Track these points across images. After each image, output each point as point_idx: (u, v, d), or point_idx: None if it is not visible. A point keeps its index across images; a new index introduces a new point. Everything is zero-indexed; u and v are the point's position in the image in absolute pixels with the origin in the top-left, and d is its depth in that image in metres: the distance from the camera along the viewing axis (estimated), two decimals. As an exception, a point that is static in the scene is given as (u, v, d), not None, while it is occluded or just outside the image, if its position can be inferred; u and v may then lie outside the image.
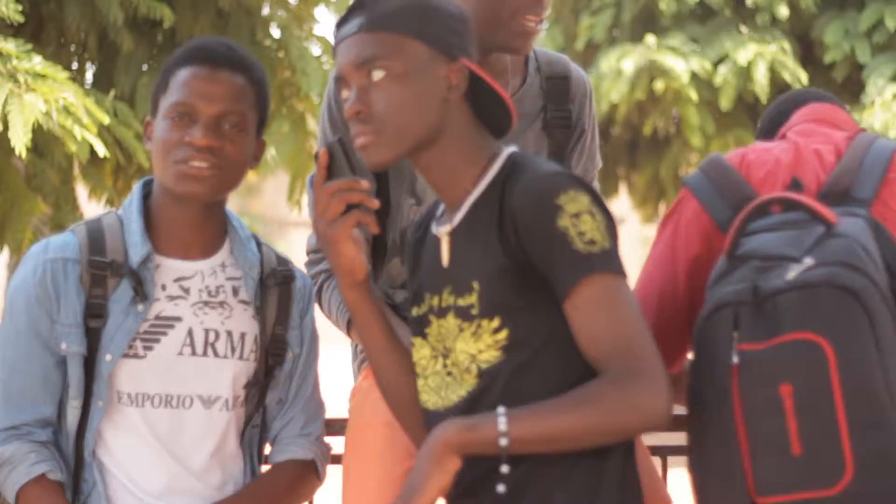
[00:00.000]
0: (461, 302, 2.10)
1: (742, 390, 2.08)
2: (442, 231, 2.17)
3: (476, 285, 2.08)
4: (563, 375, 2.04)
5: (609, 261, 2.03)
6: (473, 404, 2.08)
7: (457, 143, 2.14)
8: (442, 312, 2.14)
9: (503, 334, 2.06)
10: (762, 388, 2.07)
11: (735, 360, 2.08)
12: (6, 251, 5.34)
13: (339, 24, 2.17)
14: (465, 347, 2.10)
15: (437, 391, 2.15)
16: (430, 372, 2.16)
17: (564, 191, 2.03)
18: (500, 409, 2.01)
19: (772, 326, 2.07)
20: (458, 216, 2.15)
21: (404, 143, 2.12)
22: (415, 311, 2.21)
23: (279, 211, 20.93)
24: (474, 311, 2.08)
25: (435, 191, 2.19)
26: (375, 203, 2.14)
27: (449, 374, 2.13)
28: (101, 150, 4.41)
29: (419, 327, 2.19)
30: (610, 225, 2.05)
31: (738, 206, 2.31)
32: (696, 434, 2.19)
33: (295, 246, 21.49)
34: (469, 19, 2.19)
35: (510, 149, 2.18)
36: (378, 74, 2.11)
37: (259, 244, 2.54)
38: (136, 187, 2.49)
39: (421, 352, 2.18)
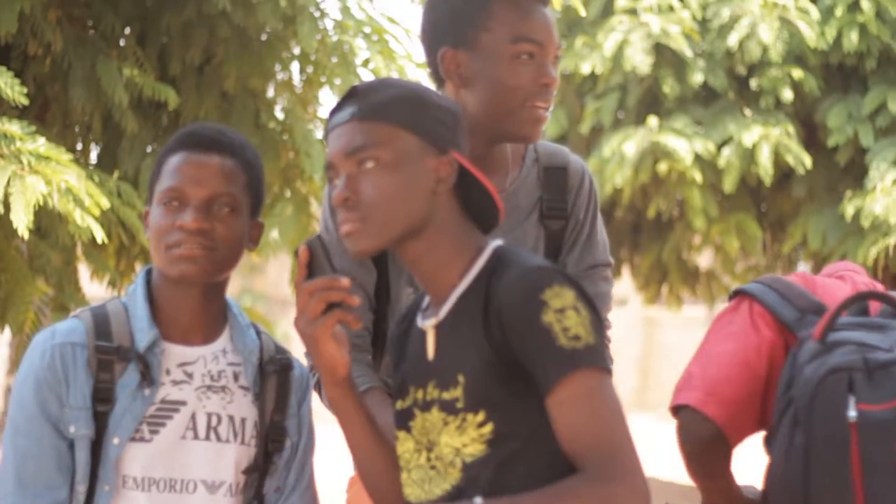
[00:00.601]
0: (446, 395, 2.10)
1: (862, 445, 2.26)
2: (427, 324, 2.17)
3: (461, 379, 2.08)
4: (548, 470, 2.02)
5: (593, 356, 2.02)
6: (457, 498, 2.06)
7: (443, 235, 2.15)
8: (426, 406, 2.13)
9: (488, 428, 2.06)
10: (883, 444, 2.27)
11: (854, 417, 2.26)
12: (7, 332, 5.32)
13: (332, 113, 2.18)
14: (449, 441, 2.09)
15: (420, 484, 2.14)
16: (413, 465, 2.15)
17: (549, 286, 2.03)
18: (478, 500, 2.00)
19: (887, 391, 2.28)
20: (444, 309, 2.15)
21: (390, 233, 2.13)
22: (399, 405, 2.20)
23: (282, 290, 20.91)
24: (459, 405, 2.08)
25: (420, 283, 2.19)
26: (356, 301, 2.13)
27: (433, 467, 2.12)
28: (100, 237, 4.41)
29: (403, 421, 2.18)
30: (595, 320, 2.05)
31: (805, 310, 2.49)
32: (805, 491, 2.33)
33: (298, 325, 21.31)
34: (460, 113, 2.20)
35: (496, 242, 2.18)
36: (367, 163, 2.12)
37: (258, 332, 2.54)
38: (140, 274, 2.51)
39: (405, 445, 2.17)
